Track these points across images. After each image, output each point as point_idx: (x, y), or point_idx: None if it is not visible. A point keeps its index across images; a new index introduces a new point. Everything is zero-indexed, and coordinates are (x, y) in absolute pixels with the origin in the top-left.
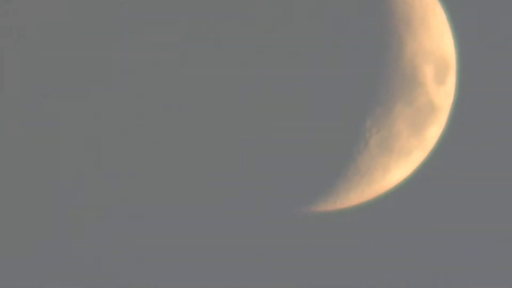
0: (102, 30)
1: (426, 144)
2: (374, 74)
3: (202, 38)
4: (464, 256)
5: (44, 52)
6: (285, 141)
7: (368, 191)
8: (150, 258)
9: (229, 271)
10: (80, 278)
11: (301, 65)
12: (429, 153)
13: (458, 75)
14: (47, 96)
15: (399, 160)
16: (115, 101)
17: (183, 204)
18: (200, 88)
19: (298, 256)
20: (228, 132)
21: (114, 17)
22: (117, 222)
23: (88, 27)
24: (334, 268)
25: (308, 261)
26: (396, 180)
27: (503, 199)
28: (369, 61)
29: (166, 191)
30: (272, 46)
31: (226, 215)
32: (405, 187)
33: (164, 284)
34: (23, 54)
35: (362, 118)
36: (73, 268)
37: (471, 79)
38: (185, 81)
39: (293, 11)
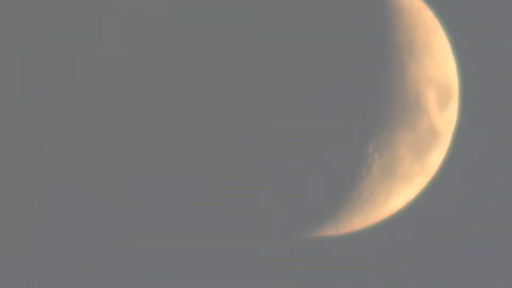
0: (102, 30)
1: (428, 169)
2: (376, 99)
3: (202, 38)
4: (467, 282)
5: (43, 52)
6: (287, 166)
7: (371, 216)
8: (149, 259)
9: (228, 269)
10: (80, 278)
11: (302, 94)
12: (432, 178)
13: (460, 100)
14: (47, 96)
15: (402, 185)
16: (115, 101)
17: (182, 204)
18: (199, 89)
19: (300, 282)
20: (228, 129)
21: (114, 16)
22: (117, 222)
23: (88, 27)
24: (333, 264)
25: (307, 256)
26: (399, 205)
27: (506, 224)
28: (371, 87)
29: (165, 191)
30: (271, 44)
31: (224, 210)
32: (408, 212)
33: (164, 284)
34: (23, 54)
35: (364, 144)
36: (72, 268)
37: (473, 104)
38: (184, 81)
39: (292, 9)
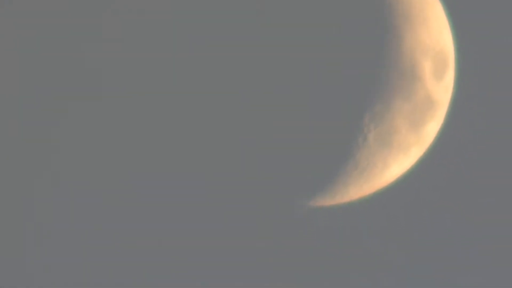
0: (101, 31)
1: (424, 140)
2: (372, 70)
3: (202, 37)
4: (463, 252)
5: (43, 52)
6: (284, 137)
7: (367, 186)
8: (150, 259)
9: (228, 269)
10: (80, 279)
11: (299, 62)
12: (428, 148)
13: (457, 70)
14: (47, 97)
15: (398, 155)
16: (115, 102)
17: (183, 203)
18: (198, 89)
19: (297, 251)
20: (228, 129)
21: (114, 16)
22: (117, 222)
23: (87, 28)
24: (333, 263)
25: (307, 256)
26: (395, 175)
27: (502, 195)
28: (367, 57)
29: (166, 191)
30: (271, 44)
31: (224, 210)
32: (404, 182)
33: (164, 284)
34: (23, 54)
35: (360, 114)
36: (72, 268)
37: (470, 74)
38: (184, 81)
39: (292, 9)
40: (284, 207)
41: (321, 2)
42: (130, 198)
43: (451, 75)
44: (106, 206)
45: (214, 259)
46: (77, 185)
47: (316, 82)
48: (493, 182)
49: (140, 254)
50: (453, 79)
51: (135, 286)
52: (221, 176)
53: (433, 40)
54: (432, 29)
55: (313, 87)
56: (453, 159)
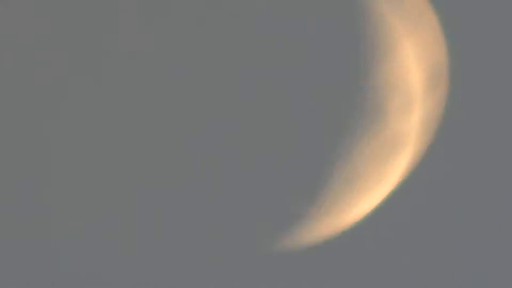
0: (99, 29)
1: (390, 179)
2: (335, 105)
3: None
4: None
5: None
6: (245, 176)
7: (332, 227)
8: (145, 266)
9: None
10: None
11: (261, 101)
12: (394, 188)
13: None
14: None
15: (363, 195)
16: (111, 102)
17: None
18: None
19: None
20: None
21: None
22: (113, 224)
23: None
24: None
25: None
26: (359, 216)
27: (468, 236)
28: (333, 88)
29: (160, 194)
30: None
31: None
32: (368, 223)
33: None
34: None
35: (325, 150)
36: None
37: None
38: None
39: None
40: (247, 252)
41: (283, 36)
42: (125, 200)
43: (419, 111)
44: (106, 207)
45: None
46: (75, 188)
47: (276, 119)
48: (460, 224)
49: (139, 255)
50: (421, 115)
51: (135, 286)
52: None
53: (402, 73)
54: (403, 61)
55: (275, 124)
56: (419, 200)
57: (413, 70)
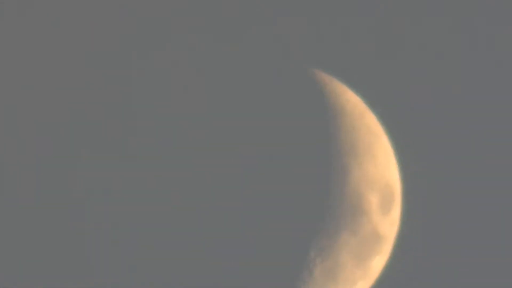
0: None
1: (370, 274)
2: (318, 203)
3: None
4: None
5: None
6: (229, 269)
7: None
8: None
9: None
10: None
11: (247, 194)
12: (373, 283)
13: (403, 204)
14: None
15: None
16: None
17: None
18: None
19: None
20: None
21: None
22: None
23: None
24: None
25: None
26: None
27: None
28: (313, 190)
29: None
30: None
31: None
32: None
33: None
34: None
35: (306, 249)
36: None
37: (415, 208)
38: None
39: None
40: None
41: (269, 136)
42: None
43: (397, 209)
44: (104, 208)
45: None
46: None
47: (260, 218)
48: None
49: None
50: (399, 213)
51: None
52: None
53: (379, 173)
54: (379, 161)
55: (258, 224)
56: None
57: (391, 169)
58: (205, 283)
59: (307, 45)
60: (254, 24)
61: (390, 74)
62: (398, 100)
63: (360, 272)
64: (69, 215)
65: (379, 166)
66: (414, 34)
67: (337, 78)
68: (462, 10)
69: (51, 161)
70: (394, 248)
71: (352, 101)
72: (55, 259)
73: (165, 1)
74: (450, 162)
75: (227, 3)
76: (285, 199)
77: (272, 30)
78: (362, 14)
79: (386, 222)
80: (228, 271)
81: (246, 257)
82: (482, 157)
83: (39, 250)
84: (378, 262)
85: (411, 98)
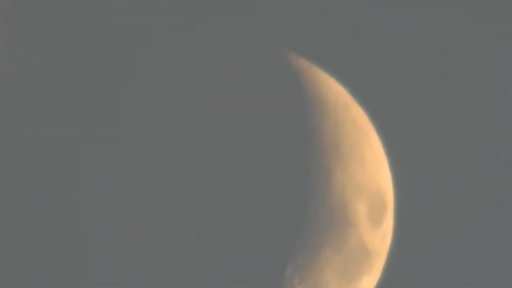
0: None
1: None
2: (295, 213)
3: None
4: None
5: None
6: None
7: None
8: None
9: None
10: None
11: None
12: None
13: (396, 214)
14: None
15: None
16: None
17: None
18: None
19: None
20: None
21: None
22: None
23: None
24: None
25: None
26: None
27: None
28: (289, 198)
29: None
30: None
31: None
32: None
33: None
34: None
35: (282, 266)
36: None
37: (411, 218)
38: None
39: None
40: None
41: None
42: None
43: (389, 220)
44: (104, 209)
45: None
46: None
47: (225, 231)
48: None
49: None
50: (391, 225)
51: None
52: None
53: (368, 178)
54: (367, 164)
55: (223, 238)
56: None
57: (381, 172)
58: None
59: (282, 25)
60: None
61: (380, 58)
62: (389, 89)
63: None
64: (69, 215)
65: (367, 169)
66: (408, 11)
67: (317, 64)
68: None
69: (51, 161)
70: (385, 266)
71: (335, 91)
72: (52, 259)
73: None
74: (453, 163)
75: None
76: (256, 208)
77: (245, 8)
78: None
79: (377, 235)
80: None
81: (213, 278)
82: (494, 156)
83: (34, 250)
84: (367, 283)
85: (405, 87)
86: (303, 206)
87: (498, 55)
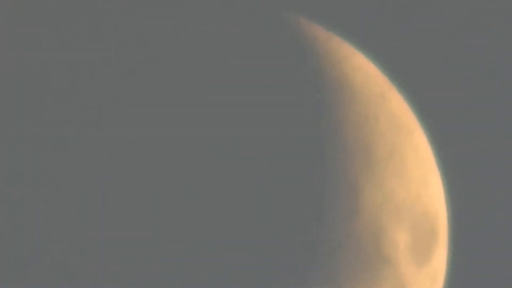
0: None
1: None
2: (310, 244)
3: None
4: None
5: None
6: None
7: None
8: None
9: None
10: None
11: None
12: None
13: (451, 245)
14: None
15: None
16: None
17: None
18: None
19: None
20: None
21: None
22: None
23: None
24: None
25: None
26: None
27: None
28: (302, 224)
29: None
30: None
31: None
32: None
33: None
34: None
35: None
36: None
37: (472, 252)
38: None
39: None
40: None
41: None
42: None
43: (440, 255)
44: (104, 210)
45: None
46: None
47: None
48: None
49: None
50: (444, 262)
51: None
52: None
53: (411, 196)
54: (411, 177)
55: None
56: None
57: (431, 188)
58: None
59: None
60: None
61: (425, 30)
62: (444, 73)
63: None
64: (69, 215)
65: (410, 183)
66: None
67: (340, 35)
68: None
69: (50, 161)
70: None
71: (365, 72)
72: (52, 259)
73: None
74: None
75: None
76: (263, 236)
77: None
78: None
79: (422, 277)
80: None
81: (213, 278)
82: None
83: (34, 250)
84: None
85: (465, 70)
86: (320, 236)
87: None
